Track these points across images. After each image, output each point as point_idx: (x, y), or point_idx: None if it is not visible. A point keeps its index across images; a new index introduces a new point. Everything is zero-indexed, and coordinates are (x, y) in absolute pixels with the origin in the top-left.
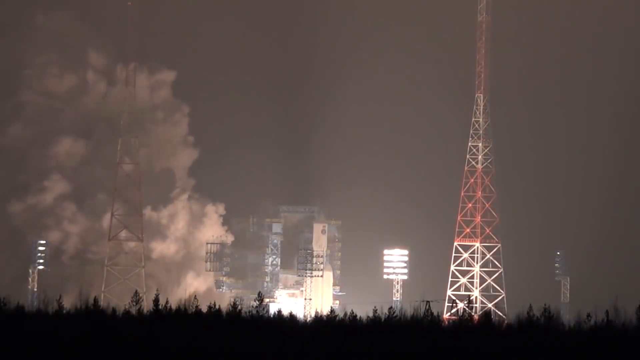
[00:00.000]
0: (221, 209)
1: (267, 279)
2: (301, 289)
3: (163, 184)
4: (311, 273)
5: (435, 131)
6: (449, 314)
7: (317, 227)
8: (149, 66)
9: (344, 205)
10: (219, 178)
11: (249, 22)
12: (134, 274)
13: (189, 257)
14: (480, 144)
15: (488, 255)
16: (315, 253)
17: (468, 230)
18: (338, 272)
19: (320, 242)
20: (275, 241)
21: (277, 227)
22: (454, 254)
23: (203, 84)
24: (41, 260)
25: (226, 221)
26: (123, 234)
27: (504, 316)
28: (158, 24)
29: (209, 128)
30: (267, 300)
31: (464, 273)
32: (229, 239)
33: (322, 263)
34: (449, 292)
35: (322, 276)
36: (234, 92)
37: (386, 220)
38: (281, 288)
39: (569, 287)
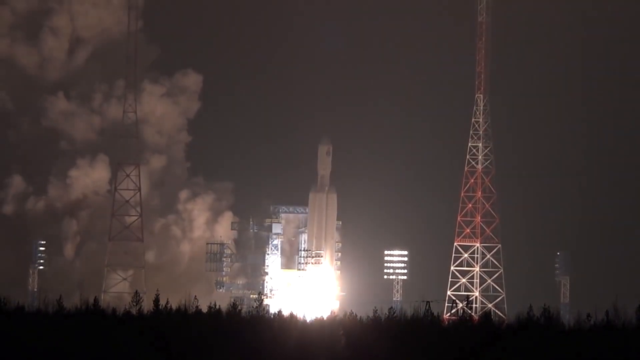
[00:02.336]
0: (234, 219)
1: (268, 279)
2: (300, 290)
3: (169, 189)
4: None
5: (435, 131)
6: (449, 314)
7: (322, 149)
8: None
9: (344, 205)
10: (220, 178)
11: (248, 21)
12: (134, 274)
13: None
14: (480, 145)
15: (488, 256)
16: (320, 176)
17: (468, 230)
18: (338, 272)
19: (324, 164)
20: (275, 241)
21: (277, 227)
22: (454, 254)
23: (204, 83)
24: (41, 260)
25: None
26: (123, 234)
27: (504, 316)
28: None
29: (209, 126)
30: (267, 300)
31: (464, 273)
32: (233, 247)
33: (326, 185)
34: (449, 292)
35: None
36: (235, 91)
37: (386, 221)
38: (281, 288)
39: (569, 287)
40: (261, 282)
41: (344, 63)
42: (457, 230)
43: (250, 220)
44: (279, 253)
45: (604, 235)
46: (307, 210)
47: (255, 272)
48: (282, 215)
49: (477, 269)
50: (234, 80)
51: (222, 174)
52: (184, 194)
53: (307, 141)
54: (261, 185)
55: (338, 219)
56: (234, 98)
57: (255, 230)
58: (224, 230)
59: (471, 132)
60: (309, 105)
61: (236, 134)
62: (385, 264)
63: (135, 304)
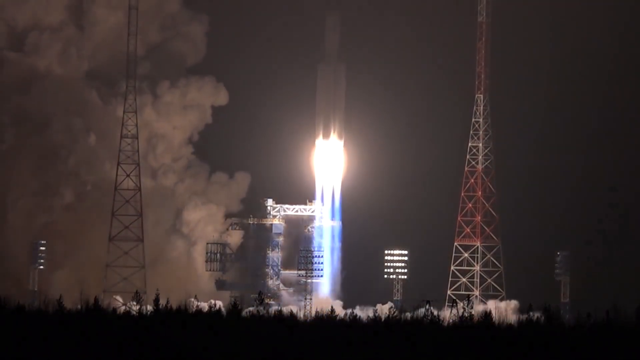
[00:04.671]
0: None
1: (268, 278)
2: (302, 288)
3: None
4: (312, 273)
5: (435, 131)
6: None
7: (329, 20)
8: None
9: (344, 205)
10: (220, 177)
11: (248, 20)
12: (134, 274)
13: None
14: (480, 144)
15: (488, 255)
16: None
17: (468, 230)
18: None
19: (332, 36)
20: (276, 241)
21: (277, 227)
22: (454, 254)
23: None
24: (41, 260)
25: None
26: (124, 233)
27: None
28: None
29: (210, 123)
30: (267, 300)
31: (464, 273)
32: (234, 244)
33: (334, 57)
34: (449, 292)
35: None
36: (236, 90)
37: (386, 221)
38: (282, 288)
39: (569, 287)
40: (262, 281)
41: (344, 60)
42: (457, 230)
43: (251, 219)
44: (279, 252)
45: (603, 235)
46: (308, 209)
47: (256, 272)
48: (283, 214)
49: (477, 268)
50: (236, 78)
51: (222, 173)
52: (190, 214)
53: (307, 140)
54: (262, 184)
55: (337, 220)
56: (236, 94)
57: (256, 232)
58: (232, 238)
59: (471, 132)
60: (309, 104)
61: (236, 130)
62: (385, 264)
63: (135, 304)
